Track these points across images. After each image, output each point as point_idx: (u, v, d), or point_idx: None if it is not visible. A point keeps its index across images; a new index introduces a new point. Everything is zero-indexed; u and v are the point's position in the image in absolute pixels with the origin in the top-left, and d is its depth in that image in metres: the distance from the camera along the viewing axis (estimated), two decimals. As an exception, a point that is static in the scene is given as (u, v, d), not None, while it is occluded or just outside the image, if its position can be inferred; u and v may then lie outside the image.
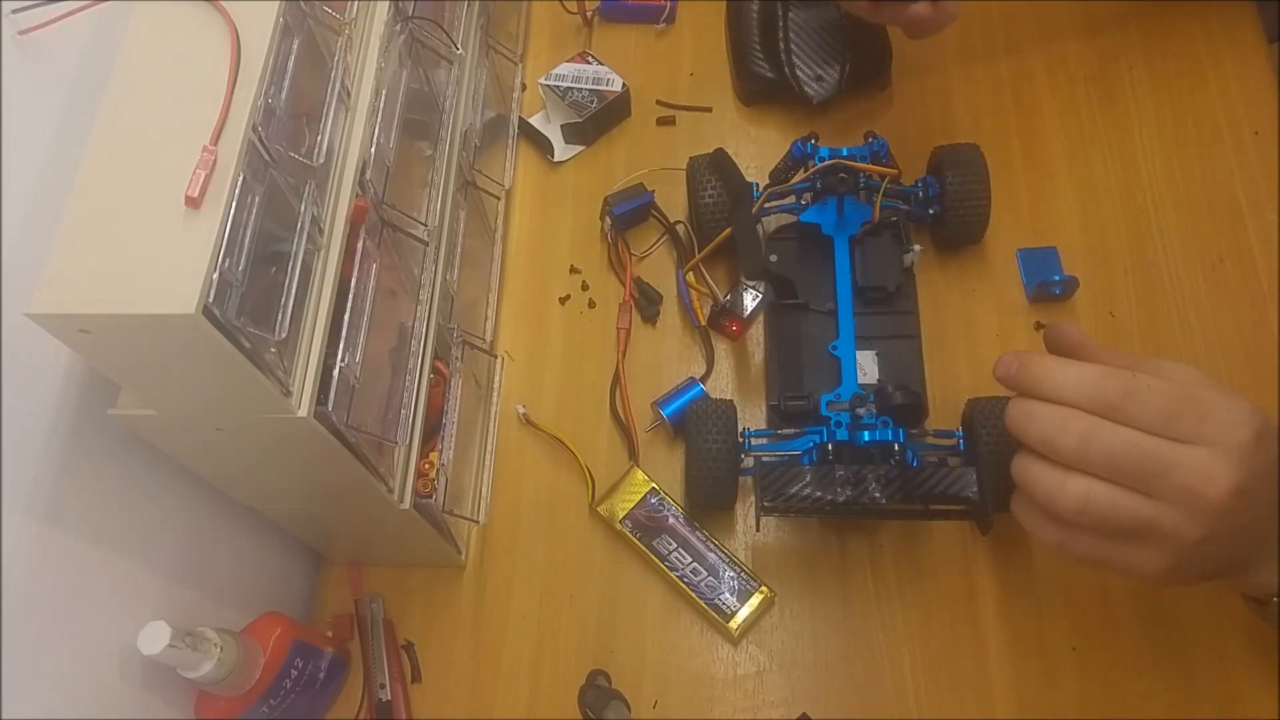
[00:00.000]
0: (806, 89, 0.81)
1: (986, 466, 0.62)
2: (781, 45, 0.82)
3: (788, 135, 0.80)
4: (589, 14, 0.89)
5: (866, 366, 0.71)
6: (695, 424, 0.67)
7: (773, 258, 0.75)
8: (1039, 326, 0.75)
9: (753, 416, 0.74)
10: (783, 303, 0.73)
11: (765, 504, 0.63)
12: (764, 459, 0.67)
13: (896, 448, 0.64)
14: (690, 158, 0.77)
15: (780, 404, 0.71)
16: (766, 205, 0.74)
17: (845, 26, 0.82)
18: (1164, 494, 0.47)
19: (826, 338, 0.71)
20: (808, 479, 0.62)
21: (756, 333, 0.76)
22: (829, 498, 0.62)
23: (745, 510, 0.71)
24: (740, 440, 0.67)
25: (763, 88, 0.84)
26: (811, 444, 0.66)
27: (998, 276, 0.77)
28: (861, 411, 0.66)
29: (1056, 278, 0.74)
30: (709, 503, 0.68)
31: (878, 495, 0.61)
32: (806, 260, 0.74)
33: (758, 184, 0.75)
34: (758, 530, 0.70)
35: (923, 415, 0.69)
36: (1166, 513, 0.47)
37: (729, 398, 0.73)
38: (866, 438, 0.64)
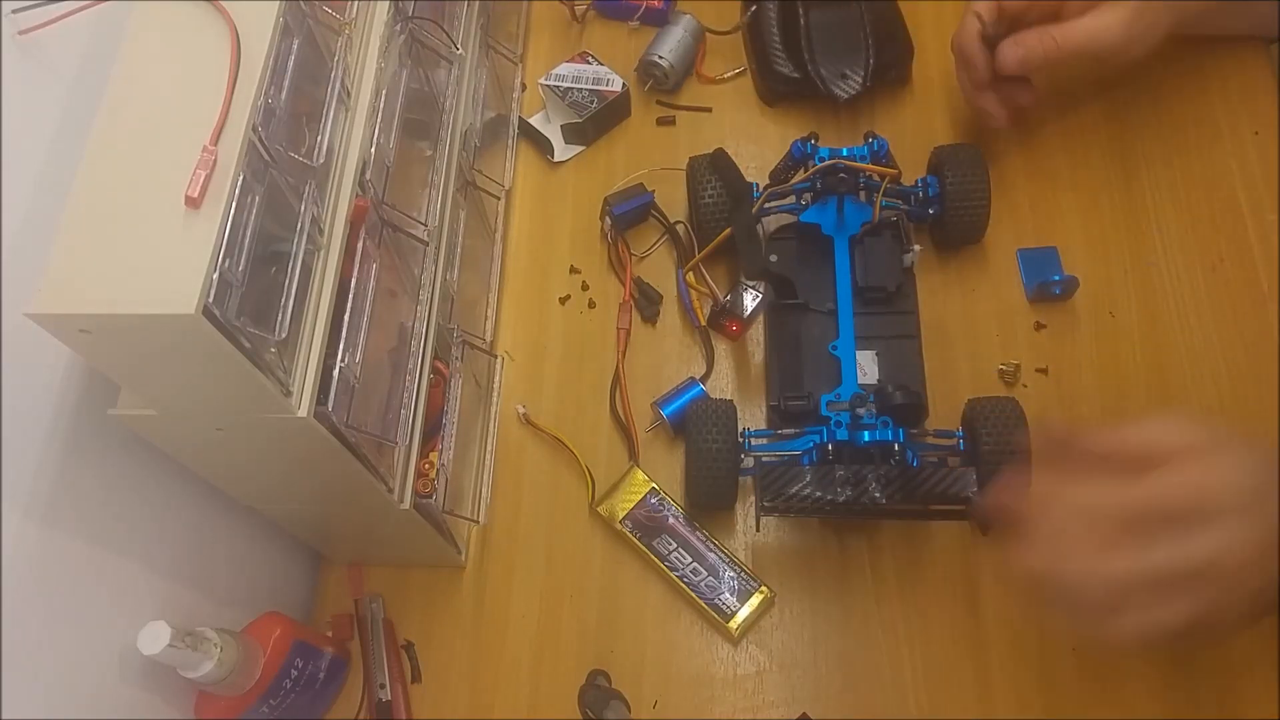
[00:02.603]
0: (832, 87, 0.81)
1: (986, 466, 0.63)
2: (804, 44, 0.82)
3: (788, 135, 0.80)
4: (580, 11, 0.89)
5: (866, 366, 0.71)
6: (695, 424, 0.67)
7: (773, 258, 0.74)
8: (1039, 327, 0.75)
9: (753, 416, 0.74)
10: (783, 303, 0.73)
11: (765, 504, 0.63)
12: (764, 459, 0.67)
13: (896, 448, 0.64)
14: (690, 158, 0.77)
15: (780, 404, 0.70)
16: (766, 205, 0.74)
17: (865, 23, 0.82)
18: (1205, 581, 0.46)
19: (826, 338, 0.71)
20: (808, 479, 0.62)
21: (756, 333, 0.76)
22: (829, 498, 0.62)
23: (745, 510, 0.71)
24: (740, 440, 0.67)
25: (788, 88, 0.84)
26: (811, 444, 0.66)
27: (998, 276, 0.77)
28: (861, 411, 0.66)
29: (1056, 278, 0.74)
30: (709, 503, 0.68)
31: (878, 495, 0.61)
32: (806, 260, 0.74)
33: (758, 184, 0.75)
34: (758, 530, 0.70)
35: (923, 415, 0.69)
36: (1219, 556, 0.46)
37: (729, 398, 0.73)
38: (866, 438, 0.64)
